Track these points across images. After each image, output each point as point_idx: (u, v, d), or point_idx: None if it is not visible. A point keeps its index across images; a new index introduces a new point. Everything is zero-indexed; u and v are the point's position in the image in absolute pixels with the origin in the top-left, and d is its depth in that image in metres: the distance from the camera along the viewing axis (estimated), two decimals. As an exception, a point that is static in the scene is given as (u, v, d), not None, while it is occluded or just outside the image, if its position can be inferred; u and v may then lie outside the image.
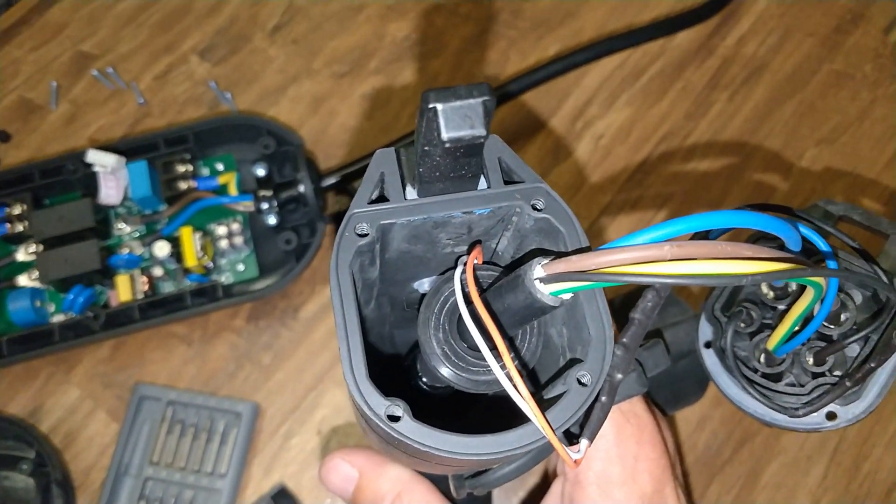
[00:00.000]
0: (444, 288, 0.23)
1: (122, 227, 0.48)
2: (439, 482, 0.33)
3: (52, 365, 0.47)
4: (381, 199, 0.22)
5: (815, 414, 0.26)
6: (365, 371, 0.20)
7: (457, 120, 0.18)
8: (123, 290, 0.46)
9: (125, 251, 0.47)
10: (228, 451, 0.46)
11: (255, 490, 0.46)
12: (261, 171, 0.48)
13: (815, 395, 0.26)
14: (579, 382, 0.20)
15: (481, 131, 0.18)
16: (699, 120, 0.56)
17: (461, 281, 0.21)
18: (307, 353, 0.49)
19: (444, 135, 0.18)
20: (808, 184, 0.54)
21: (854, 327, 0.26)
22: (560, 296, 0.20)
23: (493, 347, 0.19)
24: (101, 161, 0.45)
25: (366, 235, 0.21)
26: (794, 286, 0.27)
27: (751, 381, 0.26)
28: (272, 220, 0.48)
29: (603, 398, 0.21)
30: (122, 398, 0.47)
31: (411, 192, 0.22)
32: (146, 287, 0.47)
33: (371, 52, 0.55)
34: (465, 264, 0.22)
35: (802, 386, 0.26)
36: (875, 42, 0.58)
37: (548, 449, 0.26)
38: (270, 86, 0.54)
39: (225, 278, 0.48)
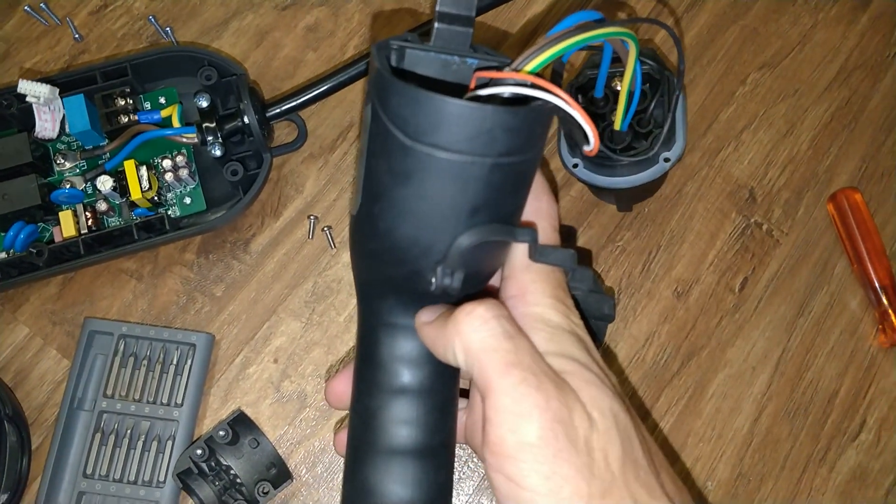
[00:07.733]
0: None
1: (63, 163, 0.47)
2: None
3: (-2, 304, 0.47)
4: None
5: (657, 166, 0.42)
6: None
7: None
8: (67, 225, 0.45)
9: (66, 186, 0.46)
10: (184, 381, 0.46)
11: (214, 418, 0.46)
12: (203, 103, 0.47)
13: (654, 149, 0.41)
14: None
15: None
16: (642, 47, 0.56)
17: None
18: (260, 284, 0.49)
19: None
20: (751, 107, 0.55)
21: (652, 99, 0.43)
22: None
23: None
24: (33, 91, 0.44)
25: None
26: (618, 87, 0.42)
27: (613, 161, 0.41)
28: (217, 151, 0.47)
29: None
30: (73, 335, 0.46)
31: None
32: (91, 222, 0.46)
33: (313, -16, 0.54)
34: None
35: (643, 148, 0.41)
36: (815, -34, 0.59)
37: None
38: (212, 20, 0.53)
39: (172, 212, 0.48)
